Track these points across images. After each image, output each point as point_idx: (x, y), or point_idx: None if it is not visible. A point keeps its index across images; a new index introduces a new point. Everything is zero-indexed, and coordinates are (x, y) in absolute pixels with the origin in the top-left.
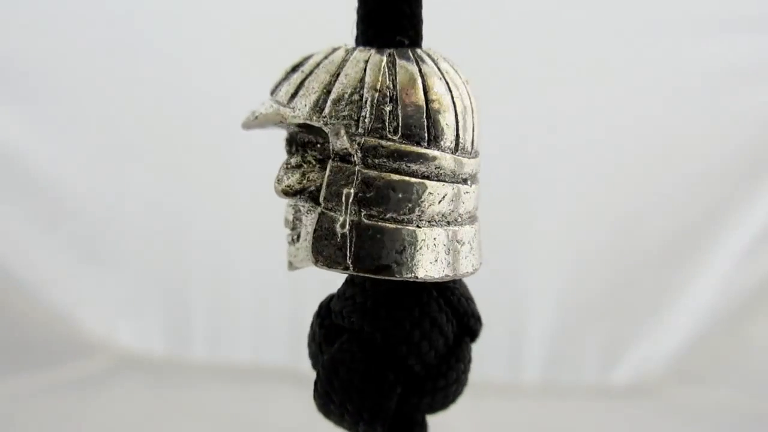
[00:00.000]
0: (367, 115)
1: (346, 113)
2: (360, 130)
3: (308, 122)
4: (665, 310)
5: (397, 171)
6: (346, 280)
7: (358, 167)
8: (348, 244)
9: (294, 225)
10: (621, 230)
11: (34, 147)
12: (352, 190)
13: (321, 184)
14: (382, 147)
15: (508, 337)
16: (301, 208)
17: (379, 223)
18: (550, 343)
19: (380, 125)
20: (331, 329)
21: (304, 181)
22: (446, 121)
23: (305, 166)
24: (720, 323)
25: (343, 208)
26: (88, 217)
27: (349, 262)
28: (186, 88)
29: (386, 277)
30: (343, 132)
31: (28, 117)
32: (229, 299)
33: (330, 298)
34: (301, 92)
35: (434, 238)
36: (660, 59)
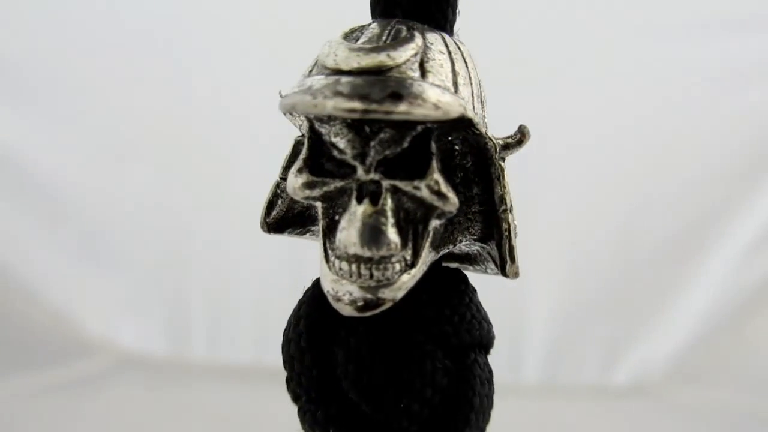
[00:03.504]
0: (482, 102)
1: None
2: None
3: (472, 116)
4: (665, 310)
5: None
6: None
7: (498, 161)
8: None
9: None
10: (621, 231)
11: (35, 147)
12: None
13: (487, 188)
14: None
15: (509, 337)
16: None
17: None
18: (551, 344)
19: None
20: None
21: (466, 191)
22: None
23: (460, 174)
24: (720, 324)
25: (509, 206)
26: (88, 217)
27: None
28: (186, 89)
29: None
30: (483, 123)
31: (28, 117)
32: (229, 299)
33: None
34: (461, 81)
35: None
36: (659, 60)
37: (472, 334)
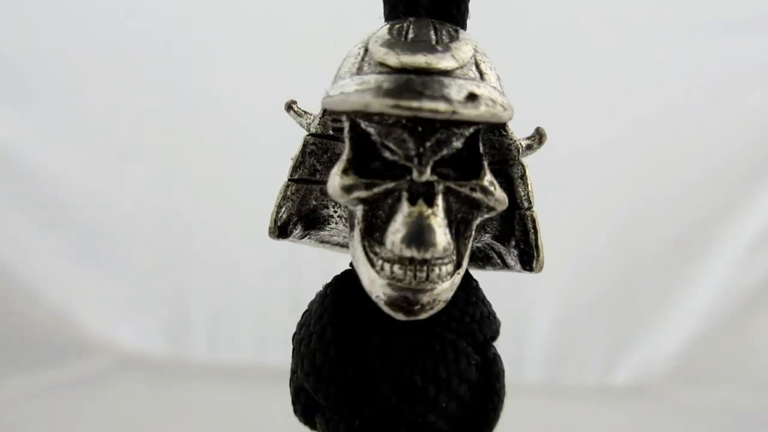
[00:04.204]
0: None
1: None
2: None
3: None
4: (666, 311)
5: None
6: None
7: (520, 161)
8: None
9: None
10: (622, 232)
11: (35, 147)
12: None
13: (507, 187)
14: None
15: (510, 337)
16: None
17: None
18: (552, 344)
19: None
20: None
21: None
22: None
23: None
24: (720, 324)
25: (533, 203)
26: (88, 217)
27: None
28: (186, 89)
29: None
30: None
31: (28, 117)
32: (229, 299)
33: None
34: (495, 83)
35: None
36: (660, 63)
37: (491, 329)
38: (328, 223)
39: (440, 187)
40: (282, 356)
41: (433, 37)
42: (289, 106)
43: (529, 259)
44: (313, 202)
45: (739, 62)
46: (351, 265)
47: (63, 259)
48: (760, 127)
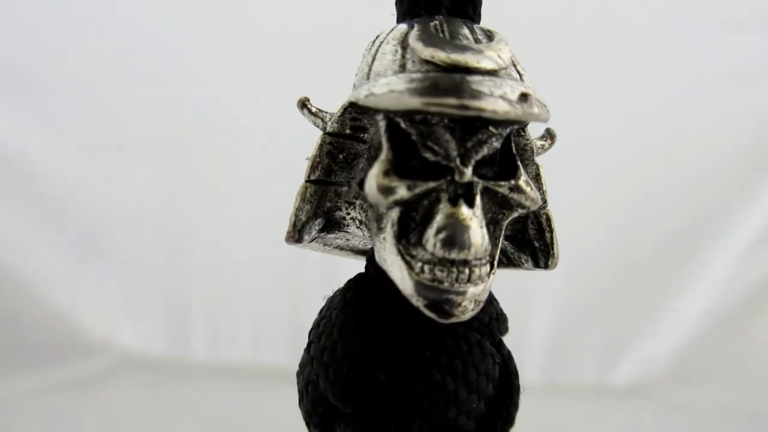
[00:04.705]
0: None
1: None
2: None
3: None
4: (665, 310)
5: None
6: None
7: (535, 159)
8: None
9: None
10: (621, 231)
11: (35, 147)
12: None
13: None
14: None
15: (509, 337)
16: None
17: None
18: (551, 344)
19: None
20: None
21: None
22: None
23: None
24: (720, 323)
25: (543, 202)
26: (88, 217)
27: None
28: (186, 89)
29: None
30: None
31: (28, 117)
32: (229, 299)
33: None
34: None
35: None
36: (658, 60)
37: (505, 326)
38: (340, 227)
39: (479, 188)
40: (282, 356)
41: (471, 36)
42: (303, 104)
43: (545, 257)
44: (328, 204)
45: (739, 59)
46: (370, 267)
47: (63, 259)
48: (758, 125)
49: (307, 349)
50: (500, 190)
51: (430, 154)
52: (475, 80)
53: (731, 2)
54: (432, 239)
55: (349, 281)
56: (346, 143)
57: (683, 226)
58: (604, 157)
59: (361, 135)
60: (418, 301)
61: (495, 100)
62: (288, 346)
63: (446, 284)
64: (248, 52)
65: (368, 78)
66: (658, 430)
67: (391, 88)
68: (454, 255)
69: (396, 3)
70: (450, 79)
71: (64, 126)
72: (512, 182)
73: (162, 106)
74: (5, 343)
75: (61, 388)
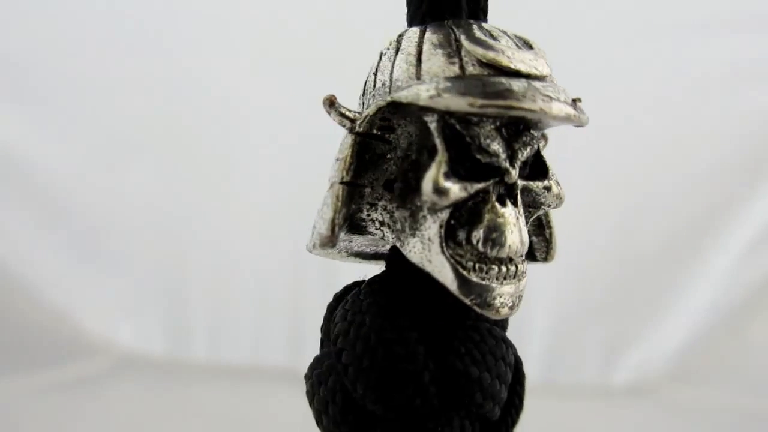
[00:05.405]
0: None
1: None
2: None
3: None
4: (665, 310)
5: None
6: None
7: None
8: None
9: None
10: (621, 231)
11: (34, 147)
12: None
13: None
14: None
15: (509, 336)
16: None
17: None
18: (551, 344)
19: None
20: None
21: None
22: None
23: None
24: (720, 323)
25: None
26: (88, 217)
27: None
28: (186, 89)
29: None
30: None
31: (28, 117)
32: (229, 299)
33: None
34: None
35: None
36: (659, 60)
37: (506, 321)
38: (359, 230)
39: (519, 188)
40: (282, 356)
41: (513, 41)
42: (331, 103)
43: (543, 252)
44: (353, 206)
45: (739, 59)
46: (393, 268)
47: (63, 259)
48: (759, 124)
49: (336, 358)
50: (535, 189)
51: (483, 156)
52: (540, 85)
53: (732, 2)
54: (482, 239)
55: (371, 284)
56: (371, 143)
57: (683, 226)
58: (604, 157)
59: (387, 135)
60: (473, 301)
61: (561, 105)
62: (288, 346)
63: (496, 282)
64: (249, 53)
65: (419, 78)
66: (658, 430)
67: (463, 91)
68: (503, 253)
69: (410, 3)
70: (523, 85)
71: (64, 126)
72: (546, 182)
73: (162, 106)
74: (5, 343)
75: (61, 388)
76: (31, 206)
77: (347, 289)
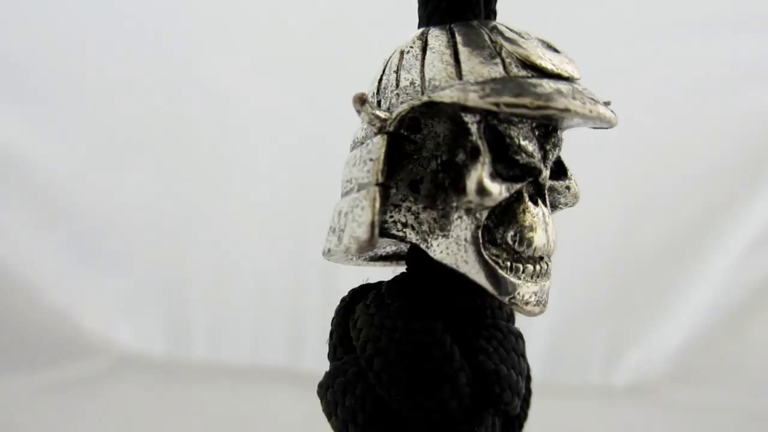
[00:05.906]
0: None
1: None
2: None
3: None
4: (665, 310)
5: None
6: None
7: None
8: None
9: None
10: (622, 231)
11: (34, 147)
12: None
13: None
14: None
15: None
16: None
17: None
18: (551, 344)
19: None
20: None
21: None
22: None
23: None
24: (720, 324)
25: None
26: (88, 217)
27: None
28: (186, 89)
29: None
30: None
31: (28, 117)
32: (229, 299)
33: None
34: None
35: None
36: (659, 60)
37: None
38: (381, 231)
39: (548, 186)
40: (282, 356)
41: (543, 44)
42: (363, 101)
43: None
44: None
45: (739, 59)
46: (415, 270)
47: (63, 259)
48: (759, 124)
49: (367, 365)
50: (558, 188)
51: (522, 156)
52: (581, 88)
53: (732, 3)
54: (518, 238)
55: (392, 287)
56: (399, 143)
57: (684, 227)
58: (605, 157)
59: (413, 135)
60: (513, 300)
61: (602, 107)
62: (288, 346)
63: (531, 280)
64: (249, 53)
65: (460, 77)
66: (658, 430)
67: (516, 92)
68: (537, 252)
69: (428, 1)
70: (568, 88)
71: (64, 126)
72: (566, 182)
73: (162, 106)
74: (5, 343)
75: (61, 388)
76: (31, 206)
77: (355, 293)
